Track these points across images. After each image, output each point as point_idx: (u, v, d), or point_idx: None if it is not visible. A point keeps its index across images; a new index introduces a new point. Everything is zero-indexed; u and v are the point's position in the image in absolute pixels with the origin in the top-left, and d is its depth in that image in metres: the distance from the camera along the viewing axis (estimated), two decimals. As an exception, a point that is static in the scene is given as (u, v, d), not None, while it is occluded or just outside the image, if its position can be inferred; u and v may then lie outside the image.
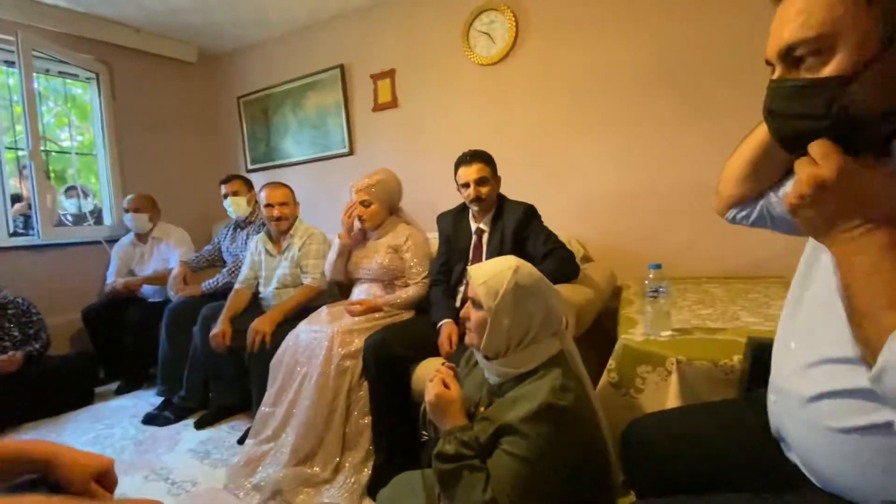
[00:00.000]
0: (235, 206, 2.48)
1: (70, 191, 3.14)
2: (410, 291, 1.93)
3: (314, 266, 2.18)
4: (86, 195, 3.19)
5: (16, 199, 2.93)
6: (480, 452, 0.88)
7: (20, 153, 2.85)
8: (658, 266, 1.21)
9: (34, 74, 2.67)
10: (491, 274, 0.95)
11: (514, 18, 2.37)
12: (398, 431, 1.61)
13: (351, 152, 3.09)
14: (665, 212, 2.16)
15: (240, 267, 2.38)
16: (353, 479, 1.51)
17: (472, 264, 1.78)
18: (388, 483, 1.20)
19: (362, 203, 1.95)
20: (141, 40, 3.17)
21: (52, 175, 3.04)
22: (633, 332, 1.22)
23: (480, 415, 1.00)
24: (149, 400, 2.45)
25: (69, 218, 3.10)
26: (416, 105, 2.81)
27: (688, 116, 2.08)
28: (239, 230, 2.59)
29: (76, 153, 3.15)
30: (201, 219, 3.44)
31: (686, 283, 1.94)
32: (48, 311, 2.55)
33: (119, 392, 2.58)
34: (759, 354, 0.87)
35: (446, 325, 1.65)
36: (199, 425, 2.12)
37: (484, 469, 0.87)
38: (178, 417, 2.18)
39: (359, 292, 2.00)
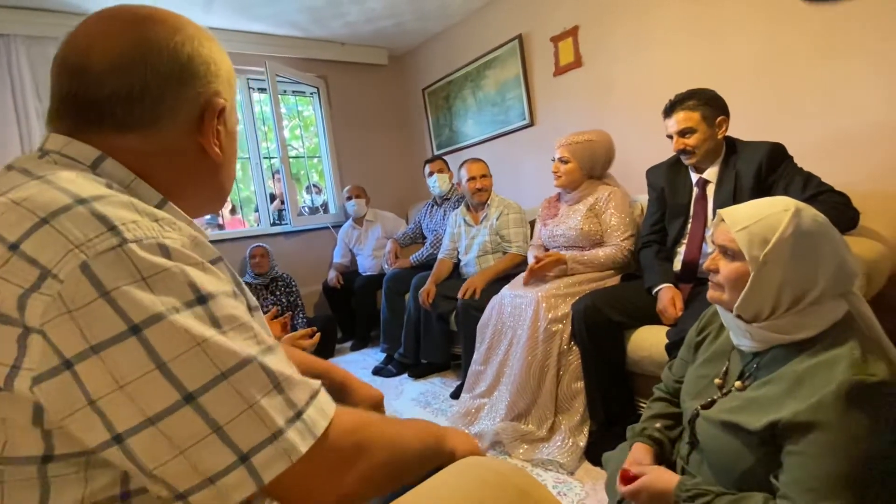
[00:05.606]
0: (441, 182, 2.76)
1: (308, 188, 3.90)
2: (607, 250, 1.82)
3: (516, 234, 2.26)
4: (318, 191, 3.93)
5: (271, 197, 3.78)
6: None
7: (271, 161, 3.66)
8: None
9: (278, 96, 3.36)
10: (755, 217, 0.77)
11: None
12: (614, 399, 1.55)
13: (531, 123, 3.05)
14: None
15: (440, 240, 2.61)
16: (570, 441, 1.51)
17: (693, 220, 1.58)
18: (609, 448, 1.15)
19: (560, 159, 1.90)
20: (345, 53, 3.68)
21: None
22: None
23: (736, 388, 0.86)
24: (374, 356, 2.89)
25: (306, 210, 3.85)
26: (602, 59, 2.59)
27: None
28: (436, 207, 2.83)
29: (307, 157, 3.89)
30: (399, 203, 3.87)
31: None
32: (298, 283, 3.21)
33: (353, 349, 3.13)
34: None
35: (667, 290, 1.49)
36: (413, 377, 2.42)
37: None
38: (399, 371, 2.52)
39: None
